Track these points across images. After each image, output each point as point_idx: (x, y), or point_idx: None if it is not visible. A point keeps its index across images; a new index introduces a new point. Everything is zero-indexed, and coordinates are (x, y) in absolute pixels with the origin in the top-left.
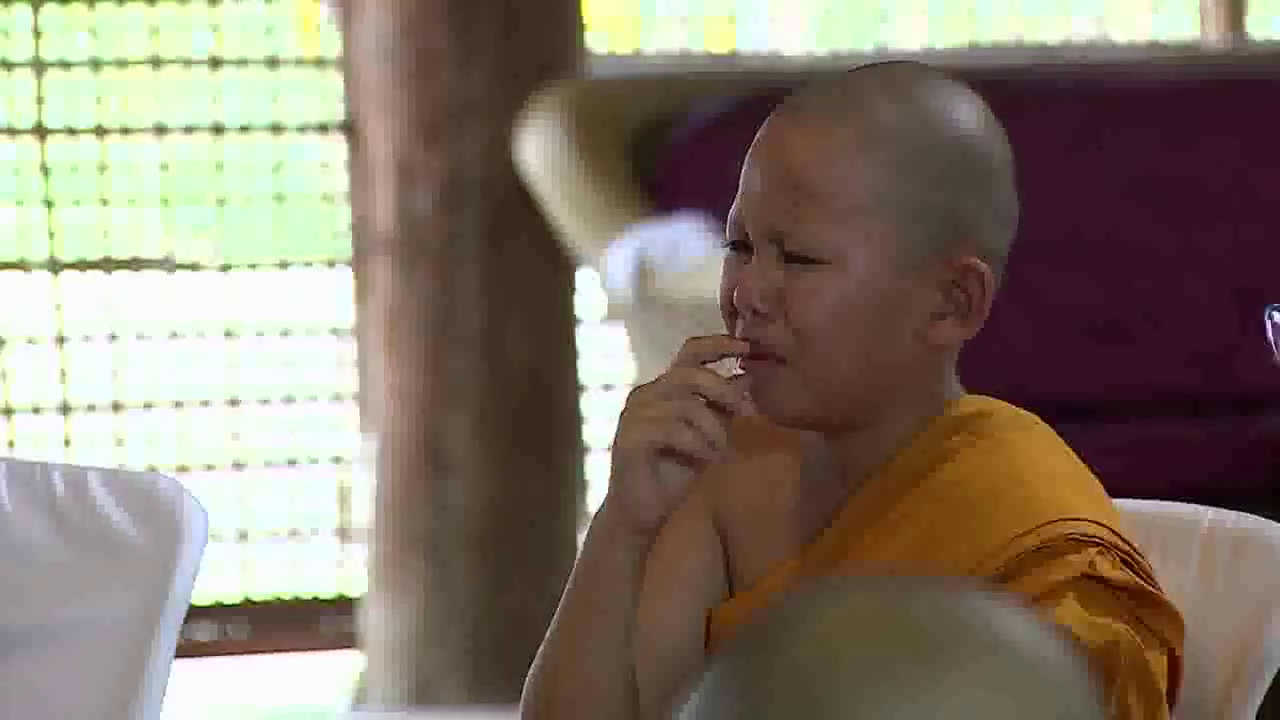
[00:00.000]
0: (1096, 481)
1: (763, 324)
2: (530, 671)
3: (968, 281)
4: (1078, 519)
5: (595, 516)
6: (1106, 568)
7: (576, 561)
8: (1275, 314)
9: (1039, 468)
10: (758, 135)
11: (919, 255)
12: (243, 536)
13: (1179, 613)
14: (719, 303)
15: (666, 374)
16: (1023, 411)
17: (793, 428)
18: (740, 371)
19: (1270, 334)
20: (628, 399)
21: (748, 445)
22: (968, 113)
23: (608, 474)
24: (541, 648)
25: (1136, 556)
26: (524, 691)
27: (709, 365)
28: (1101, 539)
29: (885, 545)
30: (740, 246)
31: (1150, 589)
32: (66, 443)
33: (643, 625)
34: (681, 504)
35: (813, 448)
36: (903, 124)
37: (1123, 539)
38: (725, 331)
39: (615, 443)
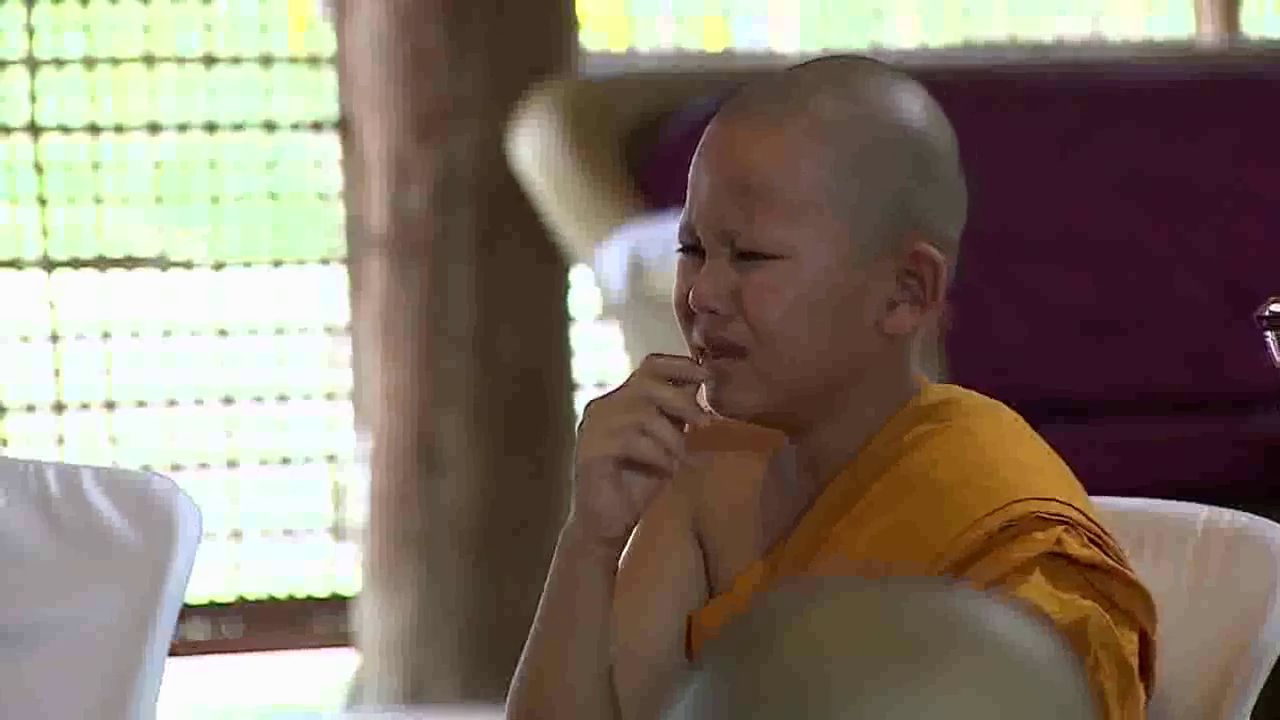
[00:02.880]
0: (1064, 466)
1: (721, 324)
2: (512, 682)
3: (921, 269)
4: (1043, 498)
5: (564, 528)
6: (1073, 545)
7: (549, 573)
8: (1269, 323)
9: (1006, 453)
10: (703, 137)
11: (872, 246)
12: (236, 535)
13: (1150, 592)
14: (674, 307)
15: (623, 386)
16: (988, 399)
17: (754, 423)
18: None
19: (1267, 337)
20: (586, 411)
21: (723, 448)
22: (911, 103)
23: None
24: (521, 658)
25: (1105, 536)
26: (507, 703)
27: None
28: (1068, 517)
29: (856, 536)
30: (692, 250)
31: (1119, 567)
32: (60, 441)
33: (625, 635)
34: (645, 514)
35: (786, 447)
36: (848, 117)
37: (1090, 519)
38: (692, 334)
39: (576, 455)
